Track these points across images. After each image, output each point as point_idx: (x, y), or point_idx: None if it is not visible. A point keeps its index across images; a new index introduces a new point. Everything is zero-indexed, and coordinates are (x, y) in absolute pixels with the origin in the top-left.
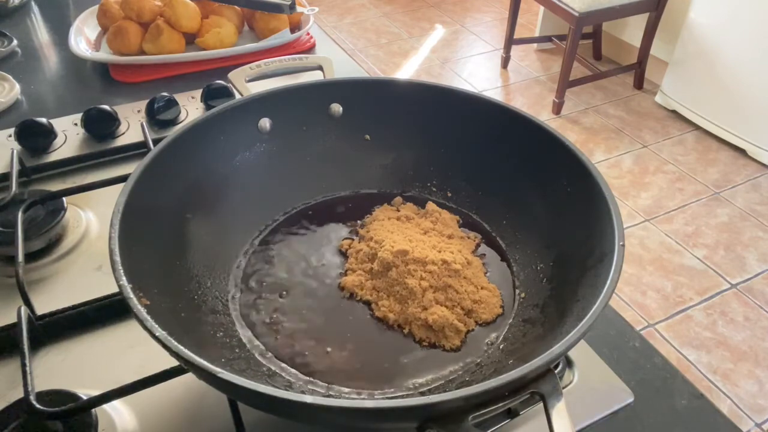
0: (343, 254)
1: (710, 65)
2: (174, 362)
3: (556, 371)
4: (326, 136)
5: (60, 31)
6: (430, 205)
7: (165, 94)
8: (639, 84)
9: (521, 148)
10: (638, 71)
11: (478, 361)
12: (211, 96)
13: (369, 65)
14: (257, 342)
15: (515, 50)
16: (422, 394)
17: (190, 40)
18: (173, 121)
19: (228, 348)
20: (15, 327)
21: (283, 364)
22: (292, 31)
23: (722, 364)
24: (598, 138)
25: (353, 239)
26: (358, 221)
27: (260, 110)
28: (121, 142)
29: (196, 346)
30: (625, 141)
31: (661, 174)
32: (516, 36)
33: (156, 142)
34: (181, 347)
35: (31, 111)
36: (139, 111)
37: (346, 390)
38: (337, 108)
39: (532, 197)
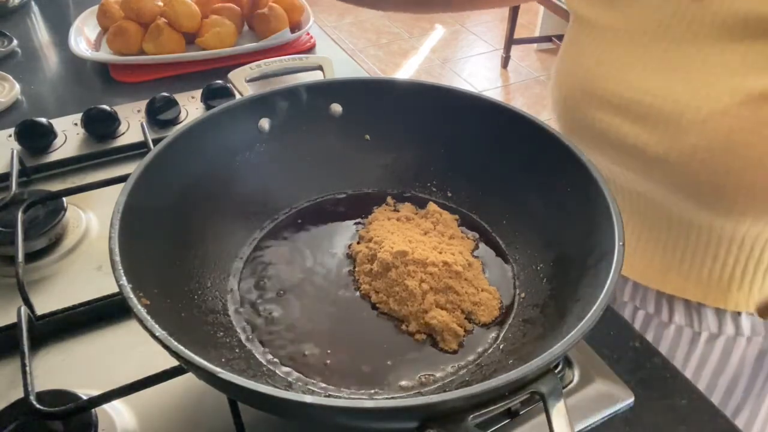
0: (343, 255)
1: None
2: (174, 362)
3: (556, 371)
4: (326, 136)
5: (60, 31)
6: (431, 206)
7: (165, 94)
8: None
9: (521, 148)
10: None
11: (478, 361)
12: (211, 96)
13: (369, 65)
14: (257, 342)
15: (515, 50)
16: (422, 394)
17: (190, 40)
18: (173, 121)
19: (228, 348)
20: (15, 327)
21: (283, 365)
22: (292, 31)
23: None
24: None
25: (353, 240)
26: (358, 221)
27: (260, 110)
28: (121, 142)
29: (196, 346)
30: None
31: None
32: (516, 36)
33: (156, 142)
34: (181, 347)
35: (31, 111)
36: (139, 111)
37: (346, 390)
38: (337, 108)
39: (532, 197)
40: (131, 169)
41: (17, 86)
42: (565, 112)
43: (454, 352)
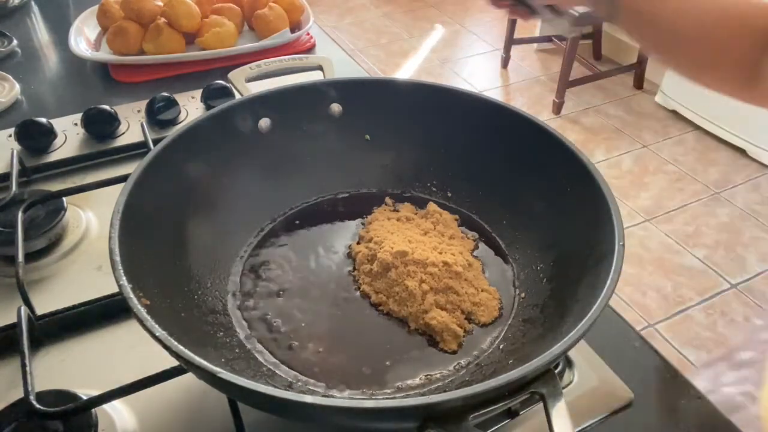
0: (343, 255)
1: None
2: (174, 362)
3: (556, 371)
4: (326, 136)
5: (60, 31)
6: (431, 206)
7: (165, 94)
8: (639, 84)
9: (521, 148)
10: (638, 71)
11: (478, 361)
12: (211, 96)
13: (369, 65)
14: (257, 342)
15: (515, 50)
16: (422, 394)
17: (190, 40)
18: (173, 121)
19: (228, 348)
20: (15, 327)
21: (283, 365)
22: (292, 31)
23: None
24: (598, 138)
25: (353, 240)
26: (358, 221)
27: (260, 110)
28: (121, 142)
29: (196, 346)
30: (625, 141)
31: (661, 174)
32: (516, 36)
33: (156, 142)
34: (181, 347)
35: (31, 111)
36: (139, 111)
37: (346, 390)
38: (337, 108)
39: (532, 197)
40: (131, 169)
41: (17, 86)
42: None
43: (454, 352)
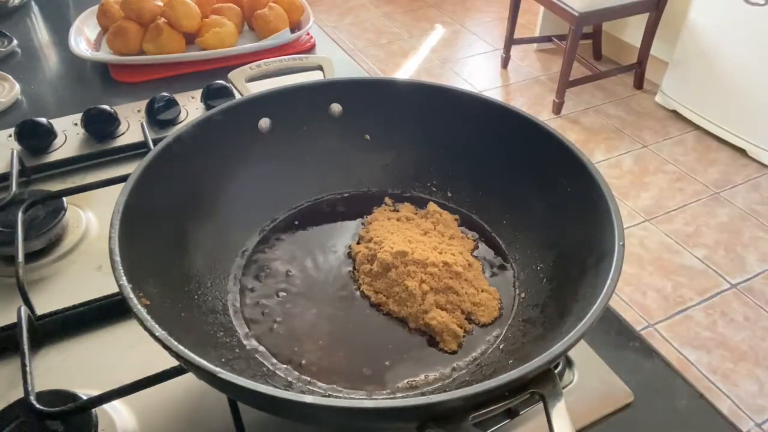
0: (343, 255)
1: (710, 65)
2: (174, 362)
3: (556, 371)
4: (326, 136)
5: (60, 31)
6: (431, 206)
7: (165, 94)
8: (639, 84)
9: (521, 148)
10: (638, 71)
11: (478, 361)
12: (211, 96)
13: (369, 65)
14: (257, 342)
15: (515, 50)
16: (422, 394)
17: (190, 40)
18: (173, 121)
19: (228, 348)
20: (15, 327)
21: (283, 364)
22: (292, 31)
23: (722, 364)
24: (598, 138)
25: (353, 240)
26: (358, 221)
27: (260, 110)
28: (121, 142)
29: (196, 346)
30: (625, 141)
31: (661, 174)
32: (516, 36)
33: (156, 142)
34: (181, 347)
35: (31, 111)
36: (139, 111)
37: (346, 390)
38: (337, 108)
39: (532, 197)
40: (131, 169)
41: (17, 86)
42: None
43: (454, 352)
